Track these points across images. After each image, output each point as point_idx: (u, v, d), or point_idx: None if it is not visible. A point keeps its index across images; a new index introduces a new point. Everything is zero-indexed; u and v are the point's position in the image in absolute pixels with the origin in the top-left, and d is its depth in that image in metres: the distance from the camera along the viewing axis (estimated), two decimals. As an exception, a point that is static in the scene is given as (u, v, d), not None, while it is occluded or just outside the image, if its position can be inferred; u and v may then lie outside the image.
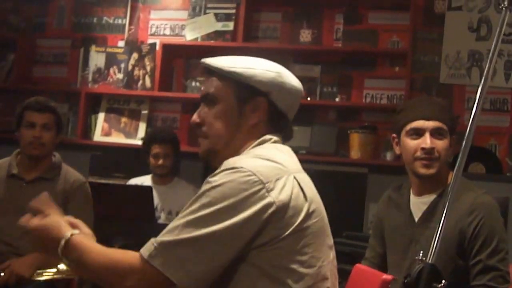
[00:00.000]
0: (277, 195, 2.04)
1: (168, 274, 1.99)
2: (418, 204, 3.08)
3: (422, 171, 3.02)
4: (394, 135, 3.16)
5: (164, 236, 2.03)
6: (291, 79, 2.29)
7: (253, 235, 2.02)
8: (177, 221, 2.03)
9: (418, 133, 3.03)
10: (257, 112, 2.24)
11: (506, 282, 2.87)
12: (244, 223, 2.00)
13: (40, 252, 3.70)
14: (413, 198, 3.12)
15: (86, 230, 2.23)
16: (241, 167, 2.05)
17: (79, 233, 2.17)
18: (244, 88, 2.23)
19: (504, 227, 2.96)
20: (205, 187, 2.06)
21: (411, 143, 3.04)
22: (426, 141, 3.00)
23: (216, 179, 2.05)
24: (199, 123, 2.27)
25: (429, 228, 2.98)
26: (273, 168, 2.10)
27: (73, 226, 2.21)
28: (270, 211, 2.02)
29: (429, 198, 3.05)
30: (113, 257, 2.09)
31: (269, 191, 2.03)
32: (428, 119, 3.03)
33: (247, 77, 2.22)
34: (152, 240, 2.04)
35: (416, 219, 3.06)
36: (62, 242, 2.12)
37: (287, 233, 2.05)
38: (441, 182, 3.05)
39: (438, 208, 2.99)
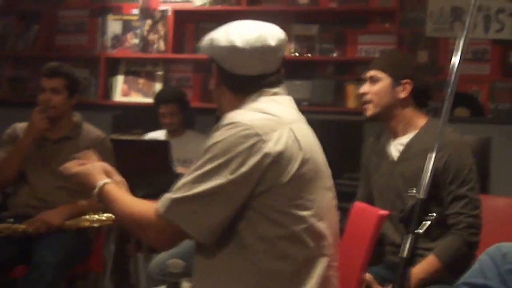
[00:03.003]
0: (273, 146, 2.07)
1: (182, 226, 2.08)
2: (396, 145, 3.15)
3: (364, 114, 3.19)
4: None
5: (176, 193, 2.09)
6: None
7: (254, 184, 2.07)
8: (187, 177, 2.10)
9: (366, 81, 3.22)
10: None
11: (476, 208, 2.94)
12: (246, 174, 2.05)
13: (71, 204, 3.77)
14: (391, 141, 3.19)
15: (118, 178, 2.32)
16: (238, 122, 2.09)
17: (111, 182, 2.26)
18: None
19: (473, 159, 3.00)
20: (208, 143, 2.11)
21: None
22: (361, 88, 3.21)
23: (217, 134, 2.11)
24: None
25: (405, 165, 3.06)
26: (268, 121, 2.12)
27: (108, 174, 2.30)
28: (267, 161, 2.06)
29: (405, 139, 3.12)
30: (135, 210, 2.17)
31: (265, 142, 2.06)
32: (369, 69, 3.22)
33: None
34: (167, 195, 2.11)
35: (395, 158, 3.13)
36: (96, 190, 2.23)
37: (284, 181, 2.08)
38: (413, 125, 3.12)
39: (412, 147, 3.07)
